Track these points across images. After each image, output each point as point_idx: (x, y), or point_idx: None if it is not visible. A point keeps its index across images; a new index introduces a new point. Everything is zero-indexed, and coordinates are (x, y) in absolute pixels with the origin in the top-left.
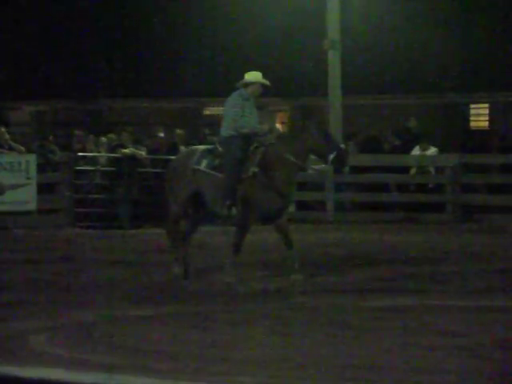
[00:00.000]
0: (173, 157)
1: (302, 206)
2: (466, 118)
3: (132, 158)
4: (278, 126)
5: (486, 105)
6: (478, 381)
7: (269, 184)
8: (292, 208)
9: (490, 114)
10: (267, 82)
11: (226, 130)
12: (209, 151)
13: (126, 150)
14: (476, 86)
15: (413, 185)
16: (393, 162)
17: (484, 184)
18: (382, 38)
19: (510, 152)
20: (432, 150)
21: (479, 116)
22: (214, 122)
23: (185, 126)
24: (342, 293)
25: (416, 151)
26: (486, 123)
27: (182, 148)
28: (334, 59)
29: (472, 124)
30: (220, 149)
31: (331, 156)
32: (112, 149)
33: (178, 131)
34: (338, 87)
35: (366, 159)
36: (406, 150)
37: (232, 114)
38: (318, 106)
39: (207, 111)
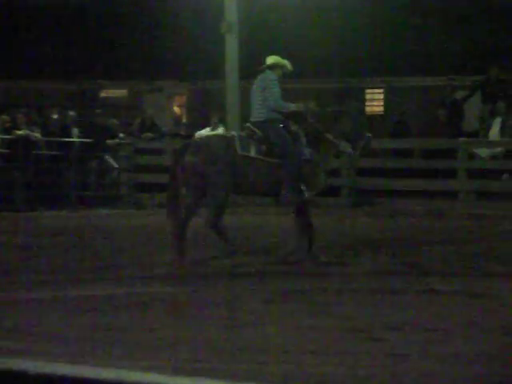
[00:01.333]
0: (67, 139)
1: None
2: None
3: (27, 140)
4: (176, 108)
5: (381, 90)
6: (371, 362)
7: (321, 165)
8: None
9: (385, 99)
10: (291, 67)
11: (265, 113)
12: (249, 137)
13: (21, 132)
14: (371, 71)
15: None
16: None
17: (378, 168)
18: (280, 20)
19: (404, 137)
20: None
21: (374, 101)
22: (111, 104)
23: (81, 107)
24: (237, 276)
25: None
26: (381, 108)
27: (75, 130)
28: (231, 42)
29: (367, 109)
30: (259, 133)
31: (362, 142)
32: (5, 130)
33: (71, 113)
34: (236, 70)
35: None
36: None
37: (272, 95)
38: (215, 89)
39: (104, 93)
